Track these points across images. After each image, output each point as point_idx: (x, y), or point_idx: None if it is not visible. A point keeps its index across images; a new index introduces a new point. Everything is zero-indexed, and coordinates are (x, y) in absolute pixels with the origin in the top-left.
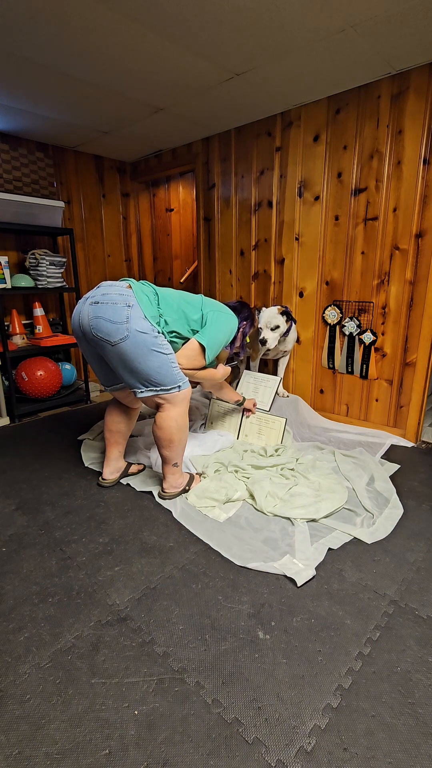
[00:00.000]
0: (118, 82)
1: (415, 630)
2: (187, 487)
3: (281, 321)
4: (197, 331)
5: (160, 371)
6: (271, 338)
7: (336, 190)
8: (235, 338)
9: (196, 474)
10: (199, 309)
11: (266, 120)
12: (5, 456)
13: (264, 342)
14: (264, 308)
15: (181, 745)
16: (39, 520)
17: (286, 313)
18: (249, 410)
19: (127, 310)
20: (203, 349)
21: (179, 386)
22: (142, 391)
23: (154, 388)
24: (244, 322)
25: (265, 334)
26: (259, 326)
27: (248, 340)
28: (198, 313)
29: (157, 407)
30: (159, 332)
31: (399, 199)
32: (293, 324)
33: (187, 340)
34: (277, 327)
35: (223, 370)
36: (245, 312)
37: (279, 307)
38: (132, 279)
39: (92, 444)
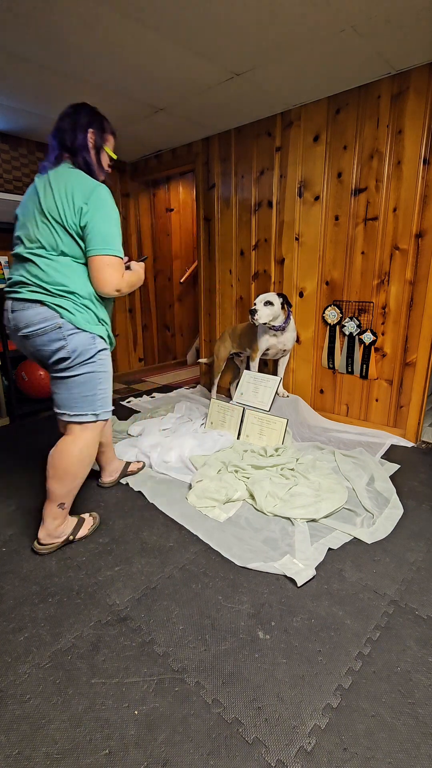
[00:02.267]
0: (118, 81)
1: (415, 630)
2: (71, 537)
3: (276, 300)
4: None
5: (83, 389)
6: (262, 313)
7: (336, 190)
8: (92, 170)
9: (89, 515)
10: (67, 235)
11: (266, 120)
12: (5, 456)
13: (253, 313)
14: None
15: (181, 745)
16: (39, 521)
17: (282, 296)
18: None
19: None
20: (113, 257)
21: (96, 414)
22: (58, 412)
23: (68, 411)
24: (90, 131)
25: (257, 306)
26: (254, 302)
27: (113, 155)
28: (69, 241)
29: (65, 429)
30: (99, 336)
31: (399, 199)
32: (291, 318)
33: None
34: (270, 304)
35: (139, 266)
36: (82, 116)
37: (276, 292)
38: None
39: None
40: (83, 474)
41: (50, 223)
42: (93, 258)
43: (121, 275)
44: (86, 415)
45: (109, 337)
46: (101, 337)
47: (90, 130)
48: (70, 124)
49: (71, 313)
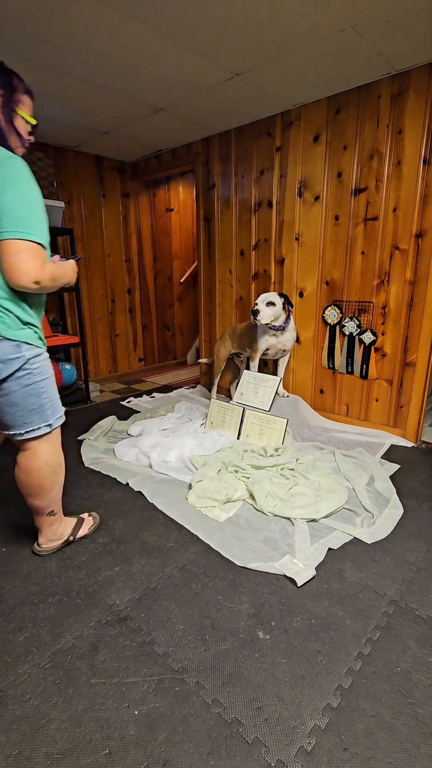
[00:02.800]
0: (119, 82)
1: (415, 630)
2: (71, 537)
3: (277, 300)
4: None
5: (27, 404)
6: (264, 313)
7: (336, 190)
8: (3, 135)
9: (88, 515)
10: None
11: (266, 120)
12: (5, 456)
13: (255, 313)
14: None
15: (181, 745)
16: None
17: (283, 296)
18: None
19: None
20: (32, 243)
21: (50, 424)
22: (7, 433)
23: (18, 430)
24: None
25: (259, 306)
26: (255, 302)
27: (31, 120)
28: None
29: (20, 445)
30: (26, 343)
31: (399, 199)
32: (291, 318)
33: None
34: (272, 304)
35: (72, 265)
36: None
37: (277, 292)
38: None
39: (92, 444)
40: (60, 479)
41: None
42: (5, 242)
43: (40, 264)
44: (39, 428)
45: (40, 339)
46: (28, 343)
47: None
48: None
49: None
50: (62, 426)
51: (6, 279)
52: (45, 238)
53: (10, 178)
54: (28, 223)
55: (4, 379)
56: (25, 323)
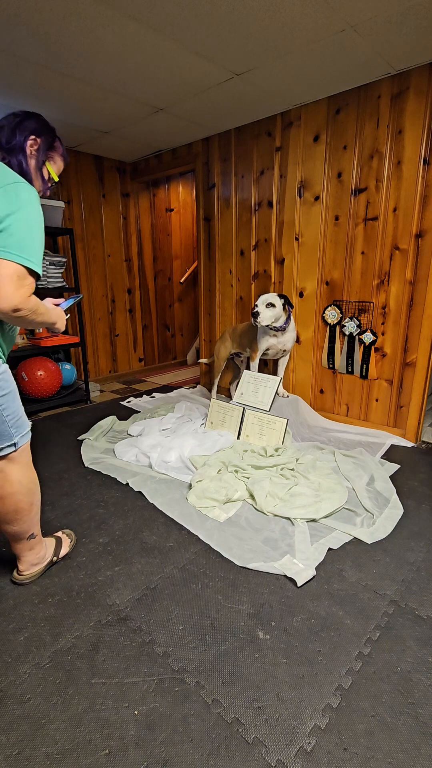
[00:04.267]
0: (118, 82)
1: (415, 630)
2: (54, 558)
3: (277, 301)
4: None
5: None
6: (264, 315)
7: (336, 190)
8: (28, 176)
9: (63, 533)
10: None
11: (266, 120)
12: None
13: (255, 315)
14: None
15: (181, 745)
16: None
17: (283, 297)
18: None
19: None
20: (22, 267)
21: (14, 443)
22: None
23: None
24: (32, 137)
25: (259, 308)
26: (255, 303)
27: (55, 177)
28: None
29: None
30: None
31: (399, 199)
32: (292, 319)
33: None
34: (273, 306)
35: (60, 315)
36: (30, 121)
37: (277, 293)
38: None
39: (92, 444)
40: (37, 498)
41: None
42: None
43: (28, 293)
44: (4, 448)
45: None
46: None
47: (33, 136)
48: (13, 124)
49: None
50: (62, 426)
51: None
52: (39, 269)
53: (20, 201)
54: (28, 248)
55: None
56: None
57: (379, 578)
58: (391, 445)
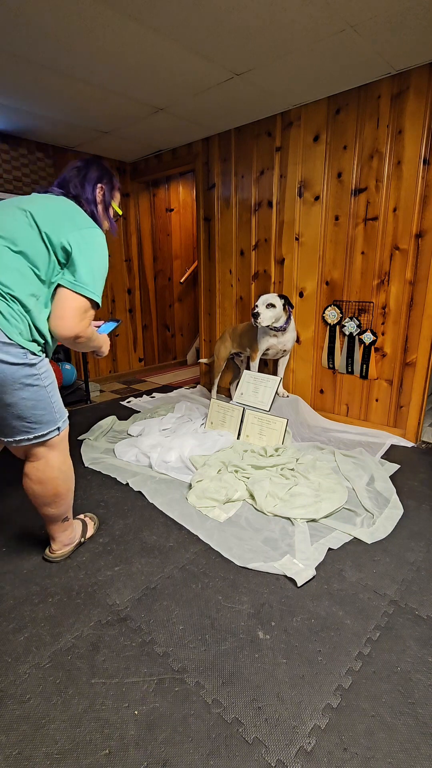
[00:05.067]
0: (118, 81)
1: (415, 630)
2: (82, 539)
3: (278, 302)
4: (41, 273)
5: (35, 411)
6: (265, 316)
7: (336, 190)
8: (98, 220)
9: (86, 517)
10: (39, 239)
11: (266, 120)
12: (5, 456)
13: (255, 316)
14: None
15: (181, 745)
16: (39, 521)
17: (283, 297)
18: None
19: None
20: (88, 300)
21: (59, 427)
22: (14, 440)
23: (27, 436)
24: (100, 185)
25: (259, 309)
26: (255, 304)
27: (119, 211)
28: (40, 247)
29: (27, 456)
30: (31, 352)
31: (399, 199)
32: (292, 319)
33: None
34: (273, 306)
35: (105, 340)
36: (93, 171)
37: (277, 293)
38: None
39: (92, 444)
40: (72, 484)
41: (27, 219)
42: (65, 290)
43: (88, 323)
44: (49, 433)
45: (43, 351)
46: (33, 352)
47: (100, 185)
48: (79, 177)
49: (5, 318)
50: None
51: (50, 324)
52: (100, 300)
53: (94, 242)
54: (93, 283)
55: (13, 383)
56: (34, 340)
57: (379, 578)
58: (391, 445)
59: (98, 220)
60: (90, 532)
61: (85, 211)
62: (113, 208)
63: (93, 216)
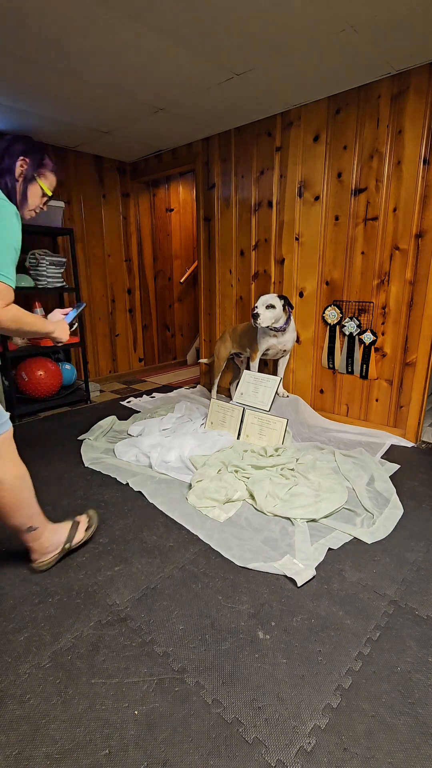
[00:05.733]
0: (118, 82)
1: (415, 630)
2: (67, 545)
3: (277, 302)
4: None
5: None
6: (264, 317)
7: (336, 190)
8: (11, 194)
9: (85, 515)
10: None
11: (266, 120)
12: None
13: (255, 317)
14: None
15: (181, 745)
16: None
17: (283, 298)
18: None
19: None
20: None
21: None
22: None
23: None
24: (23, 158)
25: (259, 310)
26: (255, 305)
27: (48, 191)
28: None
29: None
30: None
31: (399, 199)
32: (292, 319)
33: None
34: (273, 307)
35: (59, 325)
36: (18, 144)
37: (277, 293)
38: None
39: (92, 444)
40: (28, 492)
41: None
42: None
43: (4, 304)
44: None
45: None
46: None
47: (22, 157)
48: (2, 149)
49: None
50: (62, 425)
51: None
52: (11, 282)
53: None
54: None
55: None
56: None
57: (379, 578)
58: (391, 445)
59: (13, 197)
60: (80, 537)
61: (0, 183)
62: (40, 186)
63: (7, 190)
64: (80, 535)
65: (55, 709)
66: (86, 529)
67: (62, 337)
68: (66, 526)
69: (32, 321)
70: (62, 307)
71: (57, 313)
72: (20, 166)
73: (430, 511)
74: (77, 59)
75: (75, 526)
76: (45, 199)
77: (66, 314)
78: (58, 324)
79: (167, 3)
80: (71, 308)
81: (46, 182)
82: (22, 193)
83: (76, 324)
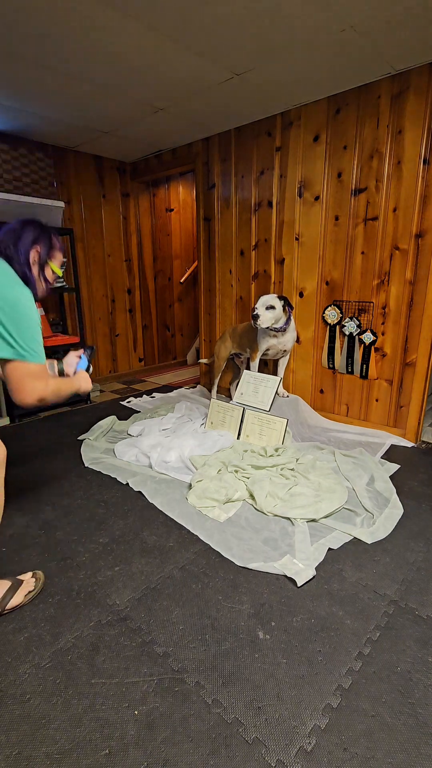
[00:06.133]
0: (118, 81)
1: (415, 630)
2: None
3: (277, 303)
4: None
5: None
6: (264, 317)
7: (336, 190)
8: (30, 282)
9: (30, 575)
10: None
11: (266, 120)
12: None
13: (255, 318)
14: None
15: (181, 745)
16: (39, 521)
17: (283, 298)
18: (84, 391)
19: None
20: (35, 365)
21: None
22: None
23: None
24: (36, 247)
25: (259, 311)
26: (254, 306)
27: (59, 272)
28: None
29: None
30: None
31: (399, 199)
32: (292, 319)
33: None
34: (272, 308)
35: (81, 378)
36: (28, 233)
37: (277, 294)
38: None
39: (92, 444)
40: None
41: None
42: (13, 362)
43: (45, 384)
44: None
45: None
46: None
47: (35, 246)
48: (13, 239)
49: None
50: (62, 425)
51: (12, 396)
52: (44, 356)
53: (21, 308)
54: (35, 344)
55: None
56: None
57: (379, 578)
58: (391, 445)
59: (32, 282)
60: (18, 601)
61: (17, 272)
62: (51, 269)
63: (25, 277)
64: (17, 599)
65: (55, 709)
66: (27, 594)
67: (88, 388)
68: (3, 585)
69: (66, 387)
70: (62, 307)
71: (71, 356)
72: (34, 256)
73: (430, 511)
74: (77, 59)
75: (14, 588)
76: (55, 277)
77: (79, 356)
78: (80, 378)
79: (167, 2)
80: (82, 350)
81: (57, 263)
82: (38, 279)
83: (92, 368)
